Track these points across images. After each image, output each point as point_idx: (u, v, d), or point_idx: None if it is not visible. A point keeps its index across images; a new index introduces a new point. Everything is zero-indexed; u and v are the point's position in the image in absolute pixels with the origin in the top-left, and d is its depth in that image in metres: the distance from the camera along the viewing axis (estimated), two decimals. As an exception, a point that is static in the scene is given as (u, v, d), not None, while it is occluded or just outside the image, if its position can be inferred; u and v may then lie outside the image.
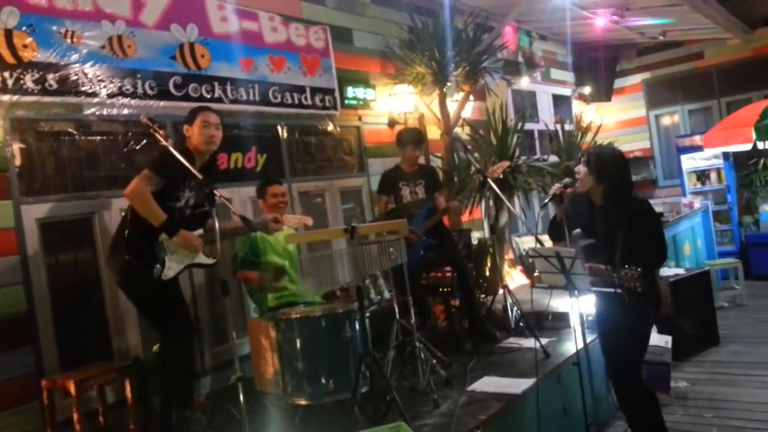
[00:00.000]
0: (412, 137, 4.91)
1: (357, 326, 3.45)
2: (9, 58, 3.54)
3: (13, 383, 3.38)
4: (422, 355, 3.75)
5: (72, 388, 3.18)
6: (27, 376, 3.44)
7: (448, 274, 5.31)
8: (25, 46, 3.61)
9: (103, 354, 3.82)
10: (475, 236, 6.27)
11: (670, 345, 4.41)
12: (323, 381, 3.36)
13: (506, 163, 4.96)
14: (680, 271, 5.76)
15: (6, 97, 3.52)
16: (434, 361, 3.86)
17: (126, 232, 3.25)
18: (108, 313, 3.91)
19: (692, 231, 7.43)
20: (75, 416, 3.18)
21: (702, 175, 9.00)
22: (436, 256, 4.91)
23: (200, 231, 3.39)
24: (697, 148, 8.56)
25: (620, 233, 3.03)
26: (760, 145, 6.94)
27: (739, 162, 8.83)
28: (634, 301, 3.01)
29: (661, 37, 8.86)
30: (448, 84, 6.15)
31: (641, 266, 2.87)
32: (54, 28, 3.74)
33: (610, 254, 3.04)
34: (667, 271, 5.55)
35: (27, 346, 3.48)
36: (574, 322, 4.61)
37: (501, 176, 4.72)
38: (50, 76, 3.70)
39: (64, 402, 3.32)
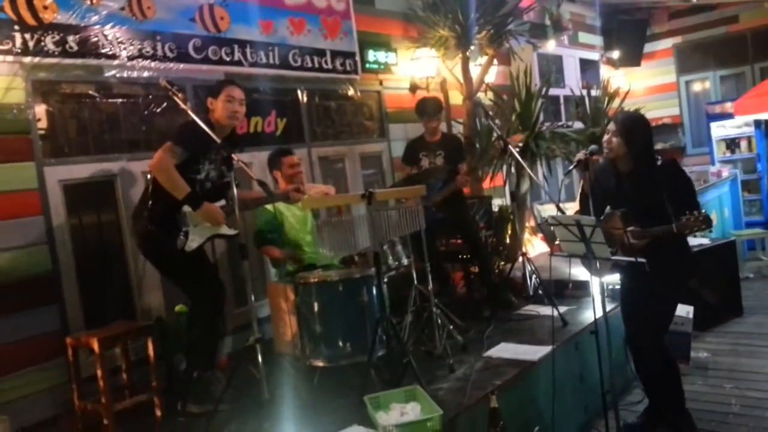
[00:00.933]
0: (428, 107, 4.86)
1: (374, 291, 3.46)
2: (30, 20, 3.54)
3: (40, 340, 3.48)
4: (439, 321, 3.77)
5: (96, 346, 3.26)
6: (52, 334, 3.53)
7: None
8: (45, 8, 3.60)
9: (126, 313, 3.90)
10: (496, 203, 6.22)
11: (691, 315, 4.35)
12: (340, 344, 3.40)
13: (519, 137, 4.98)
14: (705, 241, 5.66)
15: (27, 59, 3.54)
16: (451, 326, 3.87)
17: (149, 203, 3.28)
18: (131, 274, 3.98)
19: (719, 200, 7.28)
20: (99, 373, 3.26)
21: (732, 144, 8.77)
22: (450, 226, 4.89)
23: (222, 202, 3.41)
24: (728, 116, 8.32)
25: (660, 192, 3.04)
26: (795, 113, 6.72)
27: (771, 130, 8.58)
28: (661, 266, 2.98)
29: (695, 0, 8.53)
30: (472, 48, 6.01)
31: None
32: (73, -11, 3.73)
33: (648, 216, 3.06)
34: (692, 240, 5.44)
35: (52, 305, 3.57)
36: (594, 290, 4.62)
37: (518, 148, 4.63)
38: (70, 38, 3.70)
39: (89, 359, 3.41)
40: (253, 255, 4.29)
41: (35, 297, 3.49)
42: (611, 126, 3.32)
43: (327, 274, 3.62)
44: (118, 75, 3.96)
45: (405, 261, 3.91)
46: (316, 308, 3.44)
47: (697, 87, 9.95)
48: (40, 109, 3.66)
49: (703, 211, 2.95)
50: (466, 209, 5.06)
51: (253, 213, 4.09)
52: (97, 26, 3.82)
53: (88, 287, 3.76)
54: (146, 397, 3.42)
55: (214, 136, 3.06)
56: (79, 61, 3.75)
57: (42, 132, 3.65)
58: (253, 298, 3.17)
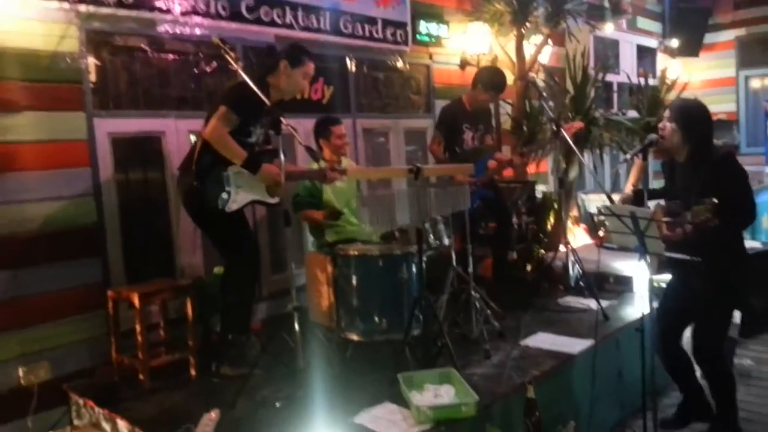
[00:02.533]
0: (496, 83, 4.46)
1: (414, 269, 3.40)
2: (87, -31, 3.50)
3: (81, 291, 3.51)
4: (476, 305, 3.69)
5: (136, 301, 3.28)
6: (94, 286, 3.56)
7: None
8: (102, -43, 3.56)
9: (166, 271, 3.92)
10: (540, 189, 6.07)
11: (738, 321, 4.20)
12: (376, 319, 3.36)
13: (580, 124, 4.66)
14: (756, 244, 5.43)
15: (83, 8, 3.51)
16: (488, 311, 3.79)
17: (196, 156, 3.24)
18: (173, 233, 3.99)
19: (772, 203, 6.98)
20: (137, 328, 3.28)
21: (790, 145, 8.39)
22: (485, 207, 4.74)
23: (276, 200, 3.37)
24: (789, 115, 7.95)
25: (711, 186, 2.89)
26: None
27: (833, 133, 8.18)
28: (713, 268, 2.84)
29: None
30: (527, 25, 5.82)
31: (728, 223, 2.78)
32: (132, -60, 3.67)
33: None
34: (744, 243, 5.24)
35: (95, 257, 3.60)
36: (639, 286, 4.49)
37: (573, 137, 4.38)
38: (126, -11, 3.66)
39: (128, 313, 3.43)
40: (293, 223, 4.25)
41: (79, 248, 3.52)
42: (667, 113, 3.19)
43: (367, 248, 3.57)
44: (170, 30, 3.92)
45: (446, 241, 3.83)
46: (354, 282, 3.40)
47: (756, 83, 9.53)
48: (93, 60, 3.64)
49: (713, 200, 2.70)
50: (499, 189, 4.88)
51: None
52: (153, -21, 3.77)
53: (130, 242, 3.78)
54: (181, 356, 3.44)
55: (265, 99, 3.00)
56: (133, 12, 3.71)
57: (93, 83, 3.64)
58: (293, 265, 3.14)
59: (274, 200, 3.42)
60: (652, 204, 3.22)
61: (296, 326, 2.94)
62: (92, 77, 3.63)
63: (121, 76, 3.81)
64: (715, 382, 3.22)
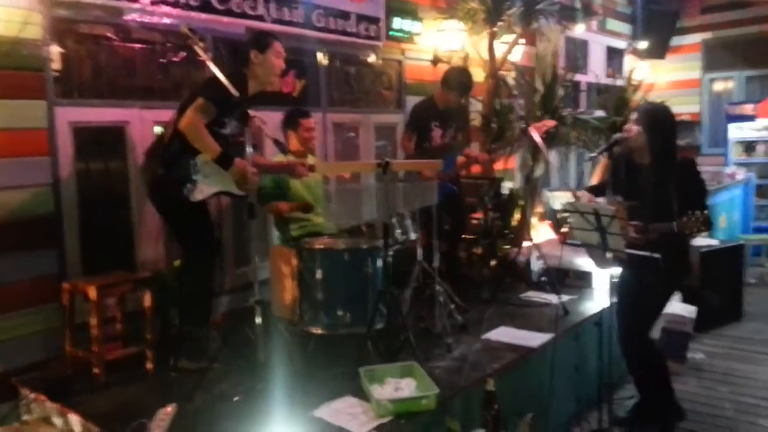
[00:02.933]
0: (461, 84, 4.46)
1: (379, 263, 3.43)
2: (52, -45, 3.43)
3: (37, 282, 3.45)
4: (440, 299, 3.73)
5: (92, 293, 3.22)
6: (49, 277, 3.49)
7: (474, 222, 5.26)
8: (68, -58, 3.49)
9: (125, 263, 3.86)
10: (507, 186, 6.14)
11: (693, 315, 4.33)
12: (340, 313, 3.37)
13: (552, 123, 4.72)
14: (713, 242, 5.60)
15: (46, -6, 3.44)
16: (452, 305, 3.84)
17: (165, 144, 3.21)
18: (134, 224, 3.94)
19: (731, 203, 7.19)
20: (93, 321, 3.23)
21: (749, 147, 8.62)
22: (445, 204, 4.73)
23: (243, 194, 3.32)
24: (749, 118, 8.17)
25: (671, 189, 3.01)
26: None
27: (791, 136, 8.43)
28: (667, 264, 2.94)
29: (730, -5, 8.32)
30: (500, 23, 5.87)
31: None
32: (98, -75, 3.61)
33: (658, 212, 3.02)
34: (700, 241, 5.39)
35: (51, 248, 3.53)
36: (597, 282, 4.59)
37: (544, 135, 4.43)
38: (92, -24, 3.60)
39: (84, 306, 3.37)
40: (258, 216, 4.24)
41: (35, 239, 3.45)
42: (634, 115, 3.28)
43: (333, 242, 3.58)
44: (138, 19, 3.86)
45: (412, 236, 3.86)
46: (318, 275, 3.40)
47: (719, 86, 9.77)
48: (56, 48, 3.57)
49: (705, 212, 2.90)
50: (462, 186, 4.91)
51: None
52: (120, -34, 3.72)
53: (89, 234, 3.71)
54: (139, 349, 3.39)
55: (233, 90, 2.96)
56: (99, 1, 3.65)
57: (56, 71, 3.57)
58: (256, 259, 3.13)
59: (242, 193, 3.40)
60: (601, 199, 3.30)
61: (258, 320, 2.94)
62: (55, 65, 3.56)
63: (85, 65, 3.75)
64: (646, 367, 3.32)
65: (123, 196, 3.91)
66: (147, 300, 3.45)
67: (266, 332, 3.05)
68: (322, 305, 3.39)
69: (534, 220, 6.16)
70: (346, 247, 3.45)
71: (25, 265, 3.41)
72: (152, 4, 3.86)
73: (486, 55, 5.99)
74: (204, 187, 3.20)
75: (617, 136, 3.29)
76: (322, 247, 3.47)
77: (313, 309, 3.42)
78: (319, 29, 4.94)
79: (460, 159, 4.57)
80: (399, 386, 2.86)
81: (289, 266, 3.74)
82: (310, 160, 4.16)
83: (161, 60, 4.05)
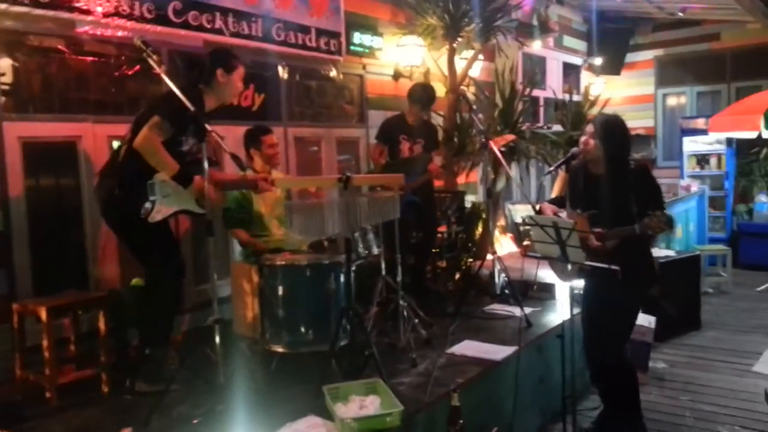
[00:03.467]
0: (423, 97, 4.64)
1: (342, 279, 3.38)
2: (-1, -36, 3.33)
3: (-16, 304, 3.31)
4: (405, 314, 3.70)
5: (43, 315, 3.09)
6: (-2, 298, 3.36)
7: (438, 235, 5.26)
8: (17, -47, 3.39)
9: (79, 283, 3.74)
10: (469, 199, 6.18)
11: (653, 325, 4.40)
12: (302, 330, 3.31)
13: (512, 137, 4.83)
14: (671, 253, 5.73)
15: (-6, 5, 3.33)
16: (416, 320, 3.81)
17: (120, 162, 3.10)
18: (87, 242, 3.82)
19: (686, 214, 7.39)
20: (45, 343, 3.10)
21: (702, 160, 8.91)
22: (415, 215, 4.77)
23: (203, 212, 3.23)
24: (701, 132, 8.45)
25: (629, 195, 3.06)
26: (766, 135, 6.82)
27: (741, 149, 8.74)
28: (628, 276, 2.97)
29: (680, 14, 8.61)
30: (459, 39, 5.94)
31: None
32: (50, -65, 3.52)
33: (618, 219, 3.06)
34: (658, 252, 5.51)
35: (0, 268, 3.39)
36: (561, 294, 4.63)
37: (503, 149, 4.53)
38: (43, -12, 3.50)
39: (35, 327, 3.23)
40: (218, 232, 4.15)
41: (-18, 258, 3.31)
42: (589, 128, 3.32)
43: (294, 258, 3.52)
44: (90, 32, 3.77)
45: (375, 250, 3.84)
46: (280, 292, 3.34)
47: (672, 101, 10.08)
48: (4, 61, 3.46)
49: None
50: (433, 200, 4.97)
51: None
52: (72, -22, 3.63)
53: (40, 252, 3.59)
54: (93, 372, 3.26)
55: (189, 105, 2.89)
56: (50, 12, 3.56)
57: (4, 85, 3.45)
58: (215, 276, 3.05)
59: (202, 211, 3.30)
60: (563, 213, 3.34)
61: (217, 339, 2.86)
62: (3, 79, 3.44)
63: (35, 78, 3.63)
64: (619, 382, 3.34)
65: (76, 213, 3.79)
66: (101, 320, 3.32)
67: (226, 352, 2.96)
68: (284, 322, 3.32)
69: (497, 233, 6.21)
70: (308, 263, 3.40)
71: (-29, 286, 3.26)
72: (105, 16, 3.78)
73: (446, 71, 6.05)
74: (163, 208, 3.10)
75: (574, 150, 3.35)
76: (283, 263, 3.41)
77: (274, 326, 3.35)
78: (279, 43, 4.91)
79: (434, 166, 4.59)
80: (363, 404, 2.80)
81: (250, 283, 3.66)
82: (274, 174, 4.11)
83: (115, 73, 3.95)
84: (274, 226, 4.04)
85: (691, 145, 8.87)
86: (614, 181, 3.18)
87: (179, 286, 3.39)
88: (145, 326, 3.33)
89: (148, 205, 3.04)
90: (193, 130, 3.15)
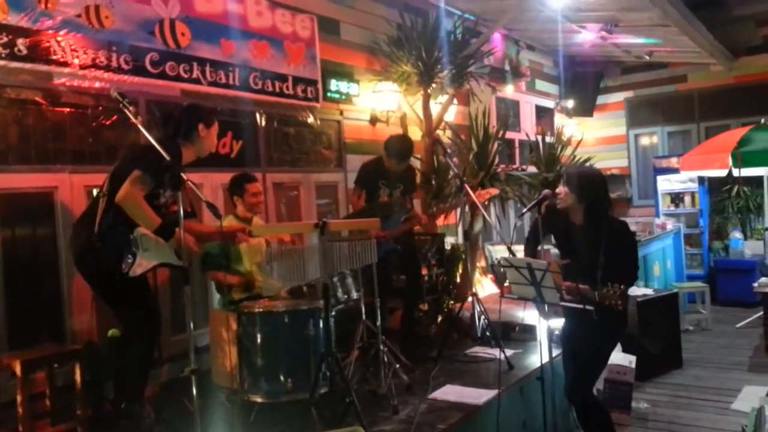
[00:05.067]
0: (401, 151, 4.58)
1: (321, 325, 3.36)
2: (-24, 19, 3.37)
3: (-45, 359, 3.22)
4: (386, 359, 3.68)
5: (18, 369, 3.04)
6: (-29, 353, 3.27)
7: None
8: (-5, 8, 3.44)
9: (55, 335, 3.67)
10: (449, 241, 6.22)
11: (633, 365, 4.40)
12: (282, 379, 3.27)
13: (494, 191, 4.94)
14: (649, 291, 5.77)
15: (-30, 59, 3.35)
16: (397, 365, 3.78)
17: (100, 214, 3.07)
18: (63, 293, 3.76)
19: (663, 252, 7.49)
20: (19, 398, 3.03)
21: (676, 198, 9.08)
22: (396, 259, 4.80)
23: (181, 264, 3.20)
24: (674, 170, 8.63)
25: (600, 253, 3.05)
26: (736, 172, 7.01)
27: (713, 187, 8.94)
28: (603, 317, 2.98)
29: (647, 57, 8.91)
30: (433, 85, 6.08)
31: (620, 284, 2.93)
32: (28, -9, 3.58)
33: (590, 273, 3.05)
34: (636, 290, 5.56)
35: (-27, 321, 3.32)
36: (541, 335, 4.63)
37: (486, 202, 4.60)
38: (20, 41, 3.54)
39: (10, 382, 3.16)
40: (197, 279, 4.13)
41: (-46, 312, 3.24)
42: (564, 178, 3.33)
43: (272, 305, 3.50)
44: (68, 83, 3.80)
45: (354, 295, 3.84)
46: (258, 340, 3.31)
47: (645, 141, 10.33)
48: (-20, 113, 3.46)
49: (622, 287, 2.93)
50: (414, 243, 5.01)
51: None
52: (50, 31, 3.68)
53: (15, 304, 3.52)
54: (69, 427, 3.19)
55: (164, 154, 2.91)
56: (27, 65, 3.59)
57: (-20, 137, 3.45)
58: (192, 325, 3.01)
59: (181, 263, 3.26)
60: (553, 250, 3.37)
61: (194, 390, 2.81)
62: (-22, 131, 3.45)
63: (11, 130, 3.64)
64: (591, 421, 3.32)
65: (52, 264, 3.74)
66: (77, 373, 3.25)
67: (204, 403, 2.91)
68: (263, 371, 3.29)
69: (477, 275, 6.23)
70: (286, 309, 3.38)
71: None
72: (82, 68, 3.82)
73: (422, 115, 6.16)
74: (143, 261, 3.06)
75: (545, 192, 3.39)
76: (261, 310, 3.39)
77: (253, 376, 3.30)
78: (257, 91, 4.98)
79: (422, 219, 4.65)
80: (344, 453, 2.76)
81: (228, 331, 3.62)
82: (256, 221, 4.11)
83: (93, 123, 3.97)
84: (254, 271, 4.02)
85: (665, 183, 9.05)
86: (589, 236, 3.18)
87: (156, 338, 3.34)
88: (120, 380, 3.26)
89: (129, 258, 3.00)
90: (169, 180, 3.16)
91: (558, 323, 3.60)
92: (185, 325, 4.15)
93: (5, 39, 3.47)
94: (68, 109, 3.86)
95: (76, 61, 3.79)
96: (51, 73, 3.71)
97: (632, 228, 4.73)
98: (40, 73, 3.67)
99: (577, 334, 3.27)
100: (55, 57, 3.69)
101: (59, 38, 3.71)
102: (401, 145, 4.65)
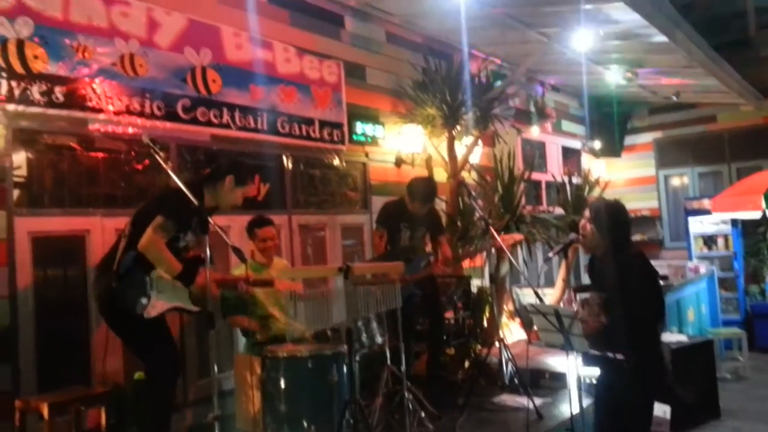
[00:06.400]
0: (424, 195, 4.56)
1: (345, 370, 3.32)
2: (18, 68, 3.52)
3: (-14, 401, 3.26)
4: (411, 406, 3.61)
5: (45, 411, 3.06)
6: (1, 395, 3.31)
7: (447, 321, 5.20)
8: (35, 57, 3.59)
9: (82, 377, 3.69)
10: (475, 284, 6.15)
11: (668, 415, 4.24)
12: (305, 425, 3.23)
13: (519, 237, 4.89)
14: (683, 338, 5.59)
15: (11, 107, 3.50)
16: (423, 413, 3.70)
17: (119, 256, 3.12)
18: (92, 335, 3.80)
19: (697, 297, 7.27)
20: (45, 440, 3.03)
21: (709, 240, 8.86)
22: (419, 302, 4.74)
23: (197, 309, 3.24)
24: (706, 212, 8.45)
25: (622, 284, 2.99)
26: (769, 214, 6.85)
27: (747, 229, 8.71)
28: (638, 366, 2.89)
29: (675, 98, 8.87)
30: (458, 127, 6.12)
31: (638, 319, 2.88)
32: (66, 41, 3.74)
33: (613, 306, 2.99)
34: (670, 337, 5.39)
35: (5, 364, 3.37)
36: (571, 383, 4.50)
37: (511, 249, 4.58)
38: (58, 89, 3.68)
39: (38, 425, 3.18)
40: (223, 323, 4.13)
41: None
42: (586, 213, 3.31)
43: (296, 349, 3.48)
44: (102, 129, 3.92)
45: (379, 339, 3.79)
46: (282, 385, 3.28)
47: (675, 182, 10.19)
48: (19, 158, 3.58)
49: (603, 295, 2.90)
50: (436, 287, 4.94)
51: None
52: (87, 79, 3.82)
53: (45, 346, 3.57)
54: (93, 471, 3.17)
55: (192, 198, 2.96)
56: (64, 112, 3.72)
57: (18, 181, 3.56)
58: (216, 369, 3.00)
59: (196, 309, 3.25)
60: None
61: (217, 436, 2.78)
62: (16, 175, 3.55)
63: (47, 174, 3.75)
64: None
65: (81, 306, 3.79)
66: (103, 417, 3.26)
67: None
68: (286, 417, 3.25)
69: (504, 319, 6.13)
70: (310, 354, 3.35)
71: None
72: (116, 114, 3.94)
73: (447, 157, 6.19)
74: (158, 303, 3.09)
75: (572, 236, 3.34)
76: (285, 354, 3.37)
77: (276, 421, 3.27)
78: (284, 135, 5.07)
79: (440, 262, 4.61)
80: (367, 505, 2.69)
81: (253, 375, 3.60)
82: (276, 262, 4.13)
83: (125, 168, 4.07)
84: (276, 316, 4.01)
85: (697, 225, 8.86)
86: (610, 266, 3.14)
87: (173, 384, 3.28)
88: (143, 423, 3.25)
89: (144, 300, 3.04)
90: (197, 224, 3.20)
91: (589, 371, 3.50)
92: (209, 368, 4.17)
93: (44, 87, 3.61)
94: (101, 154, 3.97)
95: (111, 107, 3.92)
96: (86, 119, 3.84)
97: (664, 271, 4.65)
98: (76, 120, 3.79)
99: (614, 387, 3.15)
100: (90, 104, 3.82)
101: (95, 86, 3.85)
102: (425, 187, 4.63)
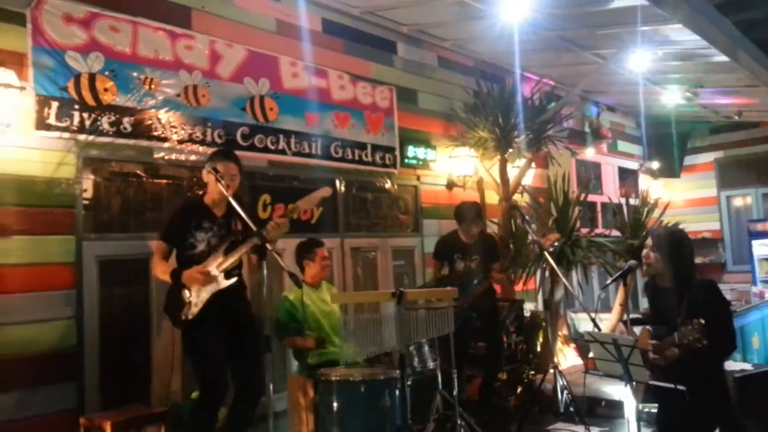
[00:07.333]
0: (470, 213, 4.80)
1: (397, 395, 3.33)
2: (90, 100, 3.73)
3: (54, 418, 3.42)
4: (463, 433, 3.58)
5: (108, 429, 3.18)
6: (67, 413, 3.46)
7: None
8: (106, 90, 3.80)
9: (143, 395, 3.82)
10: (528, 308, 6.06)
11: (733, 449, 4.04)
12: (357, 450, 3.24)
13: (557, 235, 4.88)
14: (747, 366, 5.34)
15: (82, 137, 3.69)
16: (475, 440, 3.67)
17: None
18: (153, 355, 3.93)
19: (762, 323, 6.93)
20: (107, 457, 3.15)
21: (775, 263, 8.50)
22: (477, 323, 4.77)
23: (233, 280, 3.34)
24: (771, 234, 8.12)
25: (684, 310, 2.91)
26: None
27: (816, 252, 8.32)
28: (701, 396, 2.80)
29: (736, 117, 8.57)
30: (510, 150, 6.09)
31: (710, 349, 2.77)
32: (135, 74, 3.94)
33: None
34: (733, 365, 5.16)
35: (71, 382, 3.53)
36: (629, 413, 4.37)
37: (551, 248, 4.60)
38: (126, 120, 3.87)
39: (101, 442, 3.31)
40: (277, 344, 4.21)
41: (56, 373, 3.46)
42: (649, 241, 3.25)
43: (349, 373, 3.50)
44: (166, 157, 4.09)
45: (431, 364, 3.79)
46: (334, 408, 3.31)
47: (738, 202, 9.81)
48: (88, 185, 3.77)
49: (702, 320, 2.77)
50: (497, 308, 4.95)
51: (272, 304, 4.01)
52: (153, 110, 4.00)
53: (109, 366, 3.72)
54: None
55: (250, 223, 3.18)
56: (131, 141, 3.91)
57: (86, 207, 3.75)
58: (272, 388, 3.07)
59: (229, 282, 3.33)
60: (638, 329, 3.22)
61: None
62: (85, 202, 3.75)
63: (114, 201, 3.93)
64: None
65: (143, 327, 3.94)
66: (161, 437, 3.37)
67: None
68: (339, 441, 3.27)
69: (559, 344, 6.01)
70: (362, 378, 3.37)
71: (43, 400, 3.40)
72: (180, 142, 4.11)
73: (499, 180, 6.16)
74: (194, 298, 3.26)
75: (632, 263, 3.28)
76: (338, 378, 3.40)
77: (329, 445, 3.29)
78: (336, 159, 5.17)
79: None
80: None
81: (305, 397, 3.66)
82: (324, 287, 4.18)
83: (187, 193, 4.23)
84: (328, 339, 4.04)
85: (762, 248, 8.50)
86: (679, 295, 3.07)
87: (211, 417, 3.29)
88: None
89: (186, 305, 3.25)
90: (216, 227, 3.35)
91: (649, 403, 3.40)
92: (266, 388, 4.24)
93: (113, 118, 3.82)
94: (165, 181, 4.15)
95: (175, 136, 4.10)
96: (152, 148, 4.02)
97: (727, 296, 4.46)
98: (142, 148, 3.98)
99: (675, 418, 3.06)
100: (156, 133, 4.01)
101: (160, 116, 4.03)
102: (470, 208, 4.85)
